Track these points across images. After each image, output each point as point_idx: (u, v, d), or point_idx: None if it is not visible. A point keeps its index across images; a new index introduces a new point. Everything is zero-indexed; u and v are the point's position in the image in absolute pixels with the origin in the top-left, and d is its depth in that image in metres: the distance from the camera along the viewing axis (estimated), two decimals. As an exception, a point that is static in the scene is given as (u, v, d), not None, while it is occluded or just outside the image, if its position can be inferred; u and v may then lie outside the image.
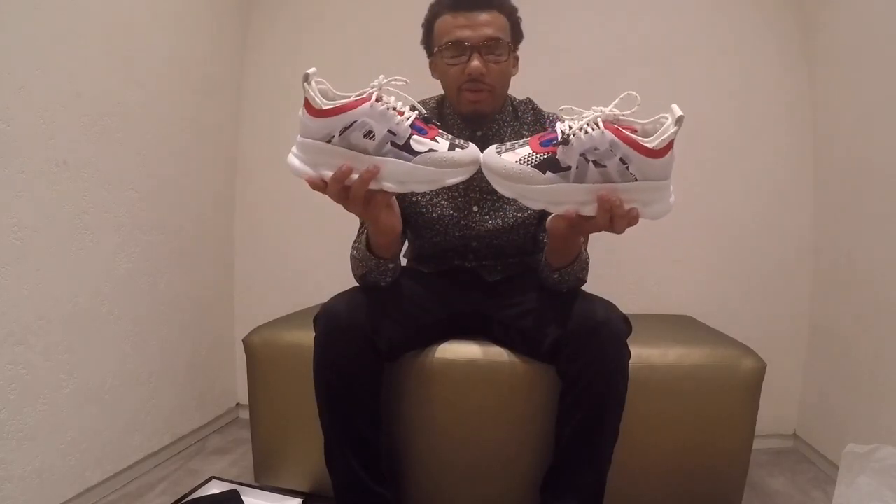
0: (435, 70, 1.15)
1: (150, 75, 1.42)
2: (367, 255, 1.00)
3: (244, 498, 1.24)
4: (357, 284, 1.08)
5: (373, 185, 0.80)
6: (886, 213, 1.30)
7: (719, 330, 1.40)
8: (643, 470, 1.15)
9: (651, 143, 0.76)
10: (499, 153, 0.82)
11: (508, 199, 1.14)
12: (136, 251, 1.39)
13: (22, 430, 1.09)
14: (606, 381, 0.96)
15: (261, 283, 1.86)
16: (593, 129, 0.77)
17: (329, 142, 0.79)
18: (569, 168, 0.79)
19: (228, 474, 1.40)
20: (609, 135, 0.76)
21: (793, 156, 1.67)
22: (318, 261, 1.79)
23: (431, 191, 1.14)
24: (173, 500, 1.24)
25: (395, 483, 1.14)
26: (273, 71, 1.84)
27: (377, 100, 0.78)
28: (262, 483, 1.30)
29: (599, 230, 0.83)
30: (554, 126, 1.15)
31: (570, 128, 0.79)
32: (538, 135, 0.84)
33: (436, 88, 1.17)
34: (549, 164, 0.79)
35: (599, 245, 1.14)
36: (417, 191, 0.83)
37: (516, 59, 1.14)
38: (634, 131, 0.78)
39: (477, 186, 1.14)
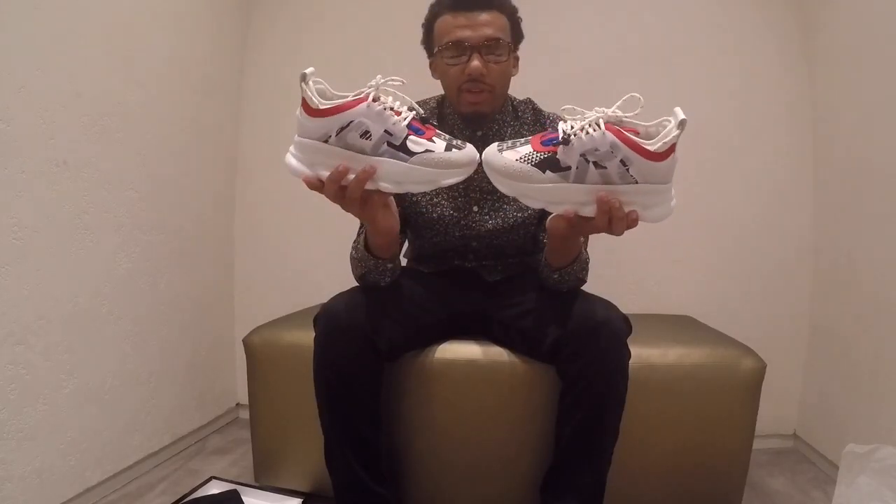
0: (435, 70, 1.15)
1: (150, 75, 1.42)
2: (365, 255, 1.00)
3: (244, 498, 1.24)
4: (357, 284, 1.08)
5: (369, 186, 0.80)
6: (886, 213, 1.30)
7: (719, 330, 1.40)
8: (643, 470, 1.15)
9: (653, 145, 0.76)
10: (500, 151, 0.82)
11: (508, 199, 1.14)
12: (136, 251, 1.39)
13: (22, 430, 1.09)
14: (606, 381, 0.96)
15: (261, 283, 1.86)
16: (594, 130, 0.77)
17: (326, 142, 0.79)
18: (569, 168, 0.79)
19: (228, 474, 1.40)
20: (610, 136, 0.76)
21: (793, 156, 1.67)
22: (318, 261, 1.79)
23: (431, 191, 1.14)
24: (173, 500, 1.24)
25: (395, 483, 1.14)
26: (273, 71, 1.84)
27: (374, 100, 0.78)
28: (262, 483, 1.30)
29: (598, 231, 0.83)
30: (555, 126, 1.16)
31: (572, 128, 0.79)
32: (540, 134, 0.84)
33: (436, 88, 1.17)
34: (549, 164, 0.79)
35: (599, 245, 1.14)
36: (414, 191, 0.83)
37: (516, 59, 1.14)
38: (636, 133, 0.78)
39: (477, 186, 1.14)
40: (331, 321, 0.98)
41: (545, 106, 1.21)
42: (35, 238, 1.11)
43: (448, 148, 0.80)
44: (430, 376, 1.15)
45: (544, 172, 0.79)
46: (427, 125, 0.83)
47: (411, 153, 0.79)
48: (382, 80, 0.79)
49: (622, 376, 0.97)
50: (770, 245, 1.68)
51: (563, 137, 0.78)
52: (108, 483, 1.32)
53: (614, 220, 0.80)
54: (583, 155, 0.78)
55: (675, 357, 1.15)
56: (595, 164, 0.78)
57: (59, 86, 1.15)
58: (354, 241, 1.04)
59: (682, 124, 0.74)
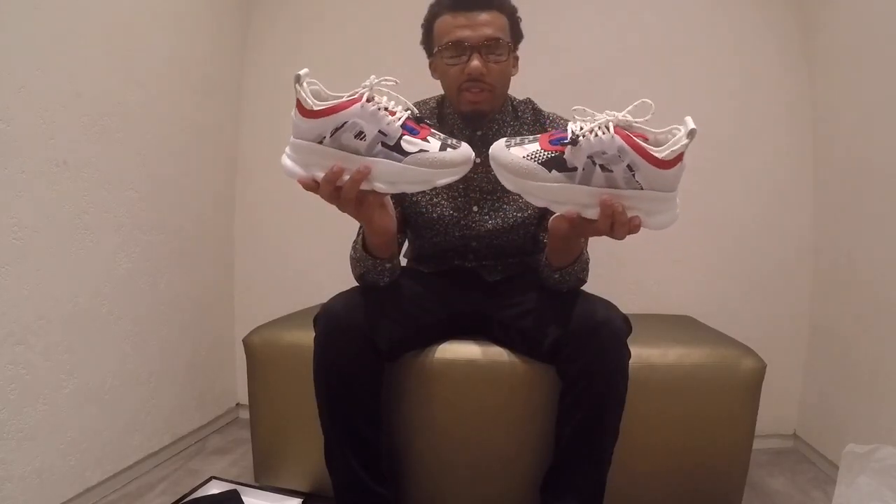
0: (435, 70, 1.15)
1: (150, 75, 1.42)
2: (363, 255, 1.00)
3: (244, 498, 1.24)
4: (357, 285, 1.08)
5: (364, 186, 0.80)
6: (886, 213, 1.30)
7: (719, 330, 1.40)
8: (643, 470, 1.15)
9: (660, 153, 0.76)
10: (507, 147, 0.82)
11: (508, 199, 1.14)
12: (136, 251, 1.39)
13: (22, 430, 1.09)
14: (606, 381, 0.96)
15: (261, 283, 1.86)
16: (603, 133, 0.77)
17: (321, 143, 0.80)
18: (575, 169, 0.79)
19: (228, 474, 1.40)
20: (618, 140, 0.76)
21: (793, 156, 1.67)
22: (318, 261, 1.79)
23: (431, 191, 1.14)
24: (173, 500, 1.24)
25: (395, 483, 1.14)
26: (273, 71, 1.84)
27: (368, 100, 0.78)
28: (262, 483, 1.30)
29: (600, 234, 0.83)
30: (555, 125, 1.17)
31: (581, 129, 0.78)
32: (549, 132, 0.84)
33: (435, 88, 1.17)
34: (555, 163, 0.79)
35: (600, 245, 1.14)
36: (409, 191, 0.83)
37: (516, 58, 1.14)
38: (645, 139, 0.77)
39: (477, 186, 1.15)
40: (331, 321, 0.98)
41: (545, 106, 1.21)
42: (35, 238, 1.11)
43: (443, 147, 0.80)
44: (430, 376, 1.15)
45: (550, 171, 0.79)
46: (422, 125, 0.83)
47: (406, 153, 0.79)
48: (376, 80, 0.79)
49: (622, 376, 0.97)
50: (770, 245, 1.68)
51: (571, 138, 0.78)
52: (108, 483, 1.32)
53: (616, 224, 0.79)
54: (590, 157, 0.78)
55: (675, 357, 1.15)
56: (602, 166, 0.78)
57: (59, 86, 1.15)
58: (354, 242, 1.04)
59: (691, 133, 0.74)
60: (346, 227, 1.09)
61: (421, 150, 0.80)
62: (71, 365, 1.20)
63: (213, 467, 1.47)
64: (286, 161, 0.82)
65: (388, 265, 1.02)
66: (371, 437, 1.02)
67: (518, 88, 1.18)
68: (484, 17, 1.05)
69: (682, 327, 1.43)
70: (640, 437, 1.12)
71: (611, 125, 0.77)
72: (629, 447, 1.06)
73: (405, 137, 0.80)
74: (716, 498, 1.16)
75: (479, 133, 1.15)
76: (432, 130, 0.83)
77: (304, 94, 0.77)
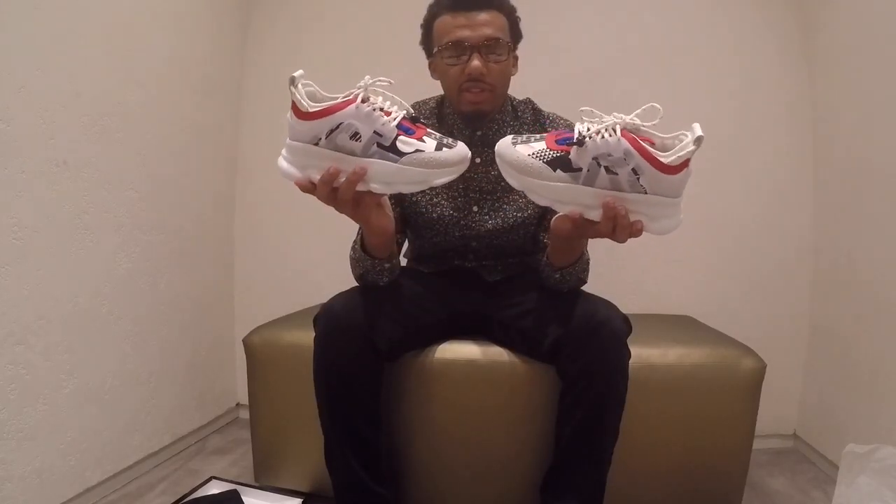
0: (434, 71, 1.15)
1: (150, 75, 1.42)
2: (362, 255, 1.00)
3: (244, 498, 1.24)
4: (357, 285, 1.08)
5: (360, 187, 0.81)
6: (886, 213, 1.30)
7: (719, 330, 1.40)
8: (643, 470, 1.15)
9: (666, 158, 0.76)
10: (514, 144, 0.82)
11: (508, 199, 1.15)
12: (136, 251, 1.39)
13: (22, 430, 1.09)
14: (606, 380, 0.96)
15: (261, 283, 1.86)
16: (610, 135, 0.76)
17: (316, 144, 0.80)
18: (579, 170, 0.79)
19: (228, 474, 1.40)
20: (625, 143, 0.76)
21: (793, 156, 1.67)
22: (318, 261, 1.79)
23: (431, 191, 1.14)
24: (173, 500, 1.24)
25: (395, 483, 1.14)
26: (273, 71, 1.84)
27: (363, 101, 0.78)
28: (262, 483, 1.30)
29: (602, 237, 0.83)
30: (555, 125, 1.17)
31: (588, 129, 0.78)
32: (556, 132, 0.84)
33: (435, 89, 1.17)
34: (560, 163, 0.79)
35: (600, 245, 1.14)
36: (405, 191, 0.83)
37: (516, 58, 1.14)
38: (652, 144, 0.77)
39: (477, 186, 1.15)
40: (331, 321, 0.98)
41: (545, 106, 1.21)
42: (35, 238, 1.11)
43: (439, 147, 0.80)
44: (430, 376, 1.15)
45: (555, 171, 0.79)
46: (418, 124, 0.82)
47: (401, 153, 0.79)
48: (371, 81, 0.79)
49: (622, 376, 0.97)
50: (770, 245, 1.68)
51: (577, 138, 0.78)
52: (108, 483, 1.32)
53: (619, 227, 0.79)
54: (595, 158, 0.77)
55: (675, 357, 1.15)
56: (606, 168, 0.78)
57: (59, 86, 1.15)
58: (353, 242, 1.04)
59: (698, 140, 0.74)
60: (346, 228, 1.09)
61: (417, 150, 0.79)
62: (71, 365, 1.20)
63: (213, 467, 1.47)
64: (282, 163, 0.82)
65: (386, 265, 1.02)
66: (371, 437, 1.02)
67: (518, 88, 1.18)
68: (483, 16, 1.05)
69: (682, 327, 1.43)
70: (640, 436, 1.12)
71: (618, 128, 0.77)
72: (629, 447, 1.06)
73: (401, 138, 0.80)
74: (716, 498, 1.16)
75: (478, 133, 1.14)
76: (428, 130, 0.83)
77: (298, 96, 0.77)
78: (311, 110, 0.78)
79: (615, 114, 0.78)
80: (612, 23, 1.71)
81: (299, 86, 0.77)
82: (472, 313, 1.18)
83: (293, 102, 0.78)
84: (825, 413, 1.55)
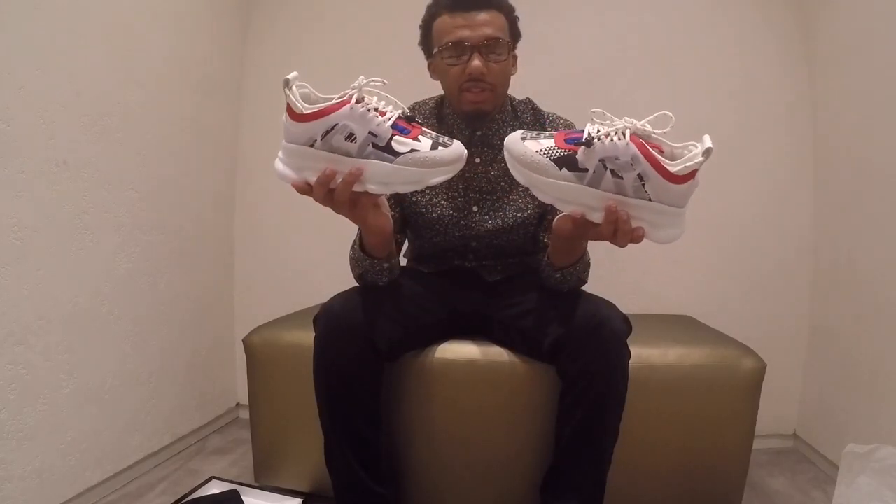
0: (434, 71, 1.15)
1: (150, 75, 1.42)
2: (361, 255, 1.00)
3: (244, 498, 1.24)
4: (357, 285, 1.08)
5: (357, 188, 0.81)
6: (886, 213, 1.30)
7: (719, 330, 1.40)
8: (643, 470, 1.15)
9: (674, 167, 0.76)
10: (522, 139, 0.82)
11: (508, 199, 1.15)
12: (136, 251, 1.39)
13: (22, 430, 1.09)
14: (606, 380, 0.96)
15: (261, 283, 1.86)
16: (619, 139, 0.76)
17: (312, 146, 0.80)
18: (586, 170, 0.79)
19: (228, 474, 1.40)
20: (633, 148, 0.76)
21: (793, 156, 1.67)
22: (318, 261, 1.79)
23: (431, 191, 1.14)
24: (173, 500, 1.24)
25: (395, 483, 1.14)
26: (273, 71, 1.83)
27: (357, 101, 0.78)
28: (262, 483, 1.30)
29: (602, 239, 0.83)
30: (555, 125, 1.17)
31: (598, 131, 0.78)
32: (566, 131, 0.84)
33: (436, 88, 1.17)
34: (567, 162, 0.79)
35: (600, 245, 1.13)
36: (401, 191, 0.83)
37: (515, 58, 1.14)
38: (661, 151, 0.77)
39: (476, 186, 1.15)
40: (331, 321, 0.98)
41: (545, 106, 1.21)
42: (35, 238, 1.11)
43: (434, 146, 0.80)
44: (430, 376, 1.15)
45: (560, 169, 0.79)
46: (413, 124, 0.82)
47: (396, 153, 0.79)
48: (365, 81, 0.79)
49: (622, 376, 0.97)
50: (770, 245, 1.68)
51: (586, 139, 0.78)
52: (108, 483, 1.32)
53: (620, 231, 0.80)
54: (602, 160, 0.78)
55: (675, 357, 1.15)
56: (612, 171, 0.78)
57: (59, 86, 1.15)
58: (353, 241, 1.04)
59: (707, 152, 0.74)
60: (346, 228, 1.09)
61: (412, 150, 0.80)
62: (71, 365, 1.20)
63: (213, 467, 1.47)
64: (279, 165, 0.82)
65: (385, 265, 1.02)
66: (371, 437, 1.02)
67: (518, 88, 1.18)
68: (483, 16, 1.05)
69: (682, 327, 1.43)
70: (641, 436, 1.12)
71: (627, 132, 0.77)
72: (629, 447, 1.06)
73: (396, 137, 0.80)
74: (716, 498, 1.16)
75: (478, 133, 1.14)
76: (423, 129, 0.83)
77: (293, 98, 0.77)
78: (305, 112, 0.78)
79: (626, 118, 0.78)
80: (612, 23, 1.71)
81: (294, 87, 0.78)
82: (472, 313, 1.18)
83: (288, 104, 0.78)
84: (825, 413, 1.55)
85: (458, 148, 0.81)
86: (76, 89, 1.19)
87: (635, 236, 0.80)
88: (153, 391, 1.47)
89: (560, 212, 0.88)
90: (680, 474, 1.15)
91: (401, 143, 0.80)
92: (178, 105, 1.54)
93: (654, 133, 0.78)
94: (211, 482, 1.32)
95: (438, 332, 1.17)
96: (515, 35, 1.12)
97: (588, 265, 1.06)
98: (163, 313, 1.51)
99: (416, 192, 1.11)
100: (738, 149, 1.68)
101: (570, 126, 1.16)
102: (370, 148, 0.79)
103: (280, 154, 0.83)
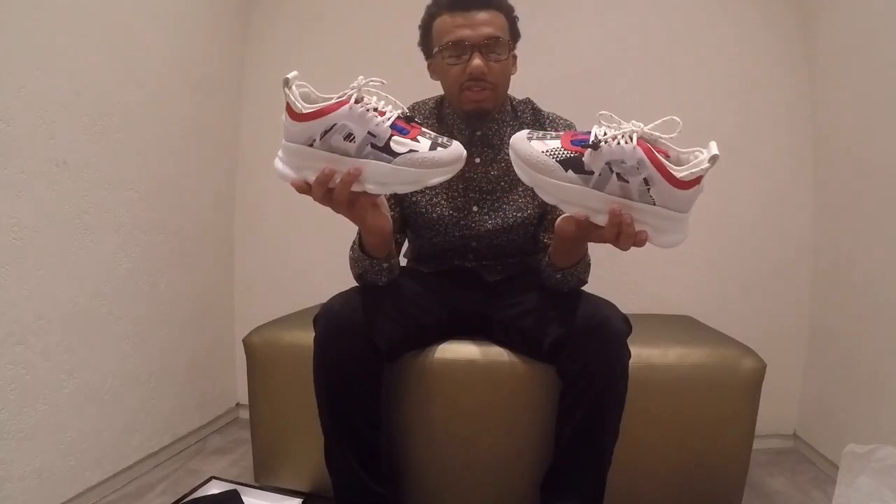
0: (434, 71, 1.15)
1: (150, 75, 1.42)
2: (360, 255, 1.00)
3: (244, 498, 1.24)
4: (357, 285, 1.08)
5: (355, 188, 0.81)
6: (886, 213, 1.30)
7: (719, 330, 1.40)
8: (643, 470, 1.15)
9: (679, 172, 0.76)
10: (529, 139, 0.82)
11: (508, 199, 1.15)
12: (136, 251, 1.39)
13: (22, 430, 1.09)
14: (606, 380, 0.96)
15: (261, 283, 1.86)
16: (626, 143, 0.76)
17: (311, 145, 0.80)
18: (591, 173, 0.79)
19: (228, 474, 1.40)
20: (639, 152, 0.76)
21: (793, 156, 1.67)
22: (318, 261, 1.79)
23: (431, 191, 1.14)
24: (173, 500, 1.24)
25: (395, 483, 1.14)
26: (273, 71, 1.83)
27: (356, 101, 0.78)
28: (262, 483, 1.30)
29: (605, 242, 0.83)
30: (555, 125, 1.17)
31: (605, 134, 0.78)
32: (573, 132, 0.84)
33: (435, 89, 1.17)
34: (572, 164, 0.79)
35: (601, 245, 1.13)
36: (400, 192, 0.83)
37: (515, 57, 1.14)
38: (667, 156, 0.77)
39: (476, 186, 1.15)
40: (331, 321, 0.98)
41: (545, 106, 1.21)
42: (35, 238, 1.11)
43: (433, 147, 0.80)
44: (430, 376, 1.15)
45: (566, 171, 0.79)
46: (412, 124, 0.82)
47: (395, 154, 0.79)
48: (364, 81, 0.79)
49: (622, 376, 0.97)
50: (770, 245, 1.68)
51: (592, 141, 0.78)
52: (108, 483, 1.32)
53: (623, 235, 0.80)
54: (608, 163, 0.77)
55: (675, 357, 1.15)
56: (618, 175, 0.78)
57: (59, 86, 1.15)
58: (353, 241, 1.04)
59: (713, 159, 0.74)
60: (346, 228, 1.09)
61: (411, 151, 0.80)
62: (71, 365, 1.20)
63: (213, 467, 1.47)
64: (278, 164, 0.82)
65: (385, 265, 1.02)
66: (371, 437, 1.02)
67: (518, 88, 1.18)
68: (483, 16, 1.05)
69: (682, 327, 1.43)
70: (640, 436, 1.12)
71: (634, 136, 0.77)
72: (629, 447, 1.06)
73: (395, 138, 0.80)
74: (716, 498, 1.16)
75: (478, 133, 1.14)
76: (423, 129, 0.83)
77: (292, 98, 0.77)
78: (304, 111, 0.78)
79: (633, 122, 0.78)
80: (612, 23, 1.70)
81: (293, 87, 0.78)
82: (472, 313, 1.18)
83: (287, 104, 0.78)
84: (825, 413, 1.55)
85: (456, 149, 0.81)
86: (76, 89, 1.19)
87: (638, 240, 0.80)
88: (153, 391, 1.47)
89: (562, 212, 0.88)
90: (680, 474, 1.15)
91: (399, 144, 0.80)
92: (177, 105, 1.54)
93: (662, 138, 0.78)
94: (211, 482, 1.32)
95: (438, 332, 1.17)
96: (515, 35, 1.12)
97: (589, 266, 1.06)
98: (163, 313, 1.51)
99: (415, 192, 1.10)
100: (738, 149, 1.68)
101: (570, 126, 1.16)
102: (369, 148, 0.79)
103: (280, 153, 0.83)
